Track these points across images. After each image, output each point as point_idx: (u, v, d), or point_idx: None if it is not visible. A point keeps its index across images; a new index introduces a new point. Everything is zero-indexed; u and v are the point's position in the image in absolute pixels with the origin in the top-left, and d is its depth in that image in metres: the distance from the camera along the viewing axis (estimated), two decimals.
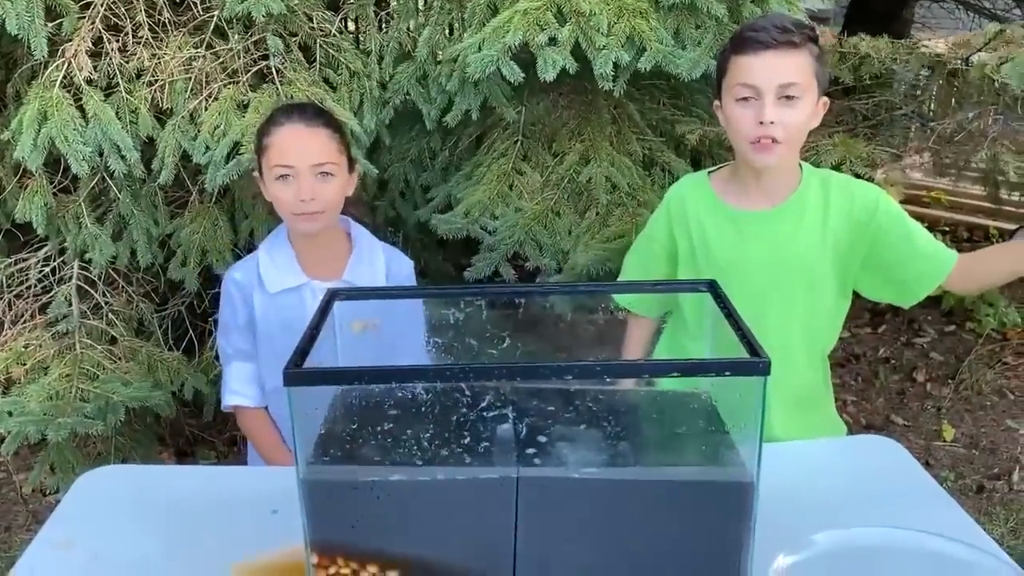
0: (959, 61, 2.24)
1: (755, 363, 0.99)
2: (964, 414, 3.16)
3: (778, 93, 1.43)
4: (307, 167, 1.54)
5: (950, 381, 3.35)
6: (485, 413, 1.05)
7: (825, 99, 1.52)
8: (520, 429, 1.05)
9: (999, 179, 2.69)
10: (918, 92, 2.69)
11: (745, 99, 1.45)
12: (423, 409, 1.08)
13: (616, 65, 1.91)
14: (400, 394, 1.07)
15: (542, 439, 1.07)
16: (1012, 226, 4.16)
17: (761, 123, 1.43)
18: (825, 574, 1.00)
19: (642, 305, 1.70)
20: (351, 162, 1.66)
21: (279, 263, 1.63)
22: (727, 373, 1.02)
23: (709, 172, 1.66)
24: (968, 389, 3.29)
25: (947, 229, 4.59)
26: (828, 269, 1.58)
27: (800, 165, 1.59)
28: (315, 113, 1.64)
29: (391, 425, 1.05)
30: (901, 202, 1.81)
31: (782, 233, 1.56)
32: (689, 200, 1.62)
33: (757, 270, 1.56)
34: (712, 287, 1.23)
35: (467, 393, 1.06)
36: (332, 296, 1.23)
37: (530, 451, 1.03)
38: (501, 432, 1.06)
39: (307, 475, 1.02)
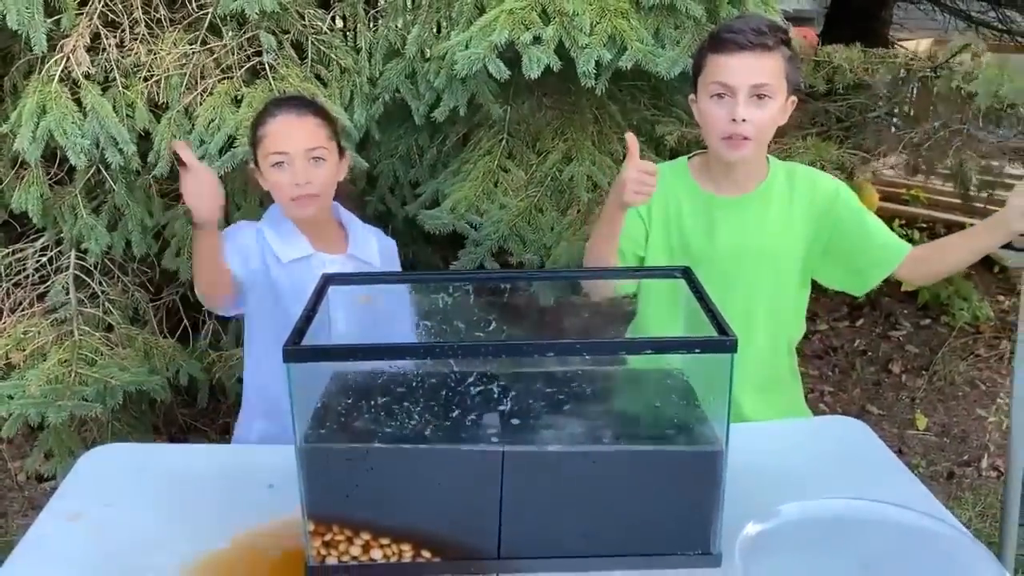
0: (929, 71, 2.33)
1: (723, 341, 1.07)
2: (937, 404, 3.26)
3: (750, 92, 1.51)
4: (300, 152, 1.63)
5: (924, 372, 3.45)
6: (472, 389, 1.12)
7: (793, 98, 1.60)
8: (505, 405, 1.12)
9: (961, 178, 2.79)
10: (891, 96, 2.79)
11: (719, 96, 1.53)
12: (414, 386, 1.15)
13: (598, 64, 1.98)
14: (392, 371, 1.14)
15: (526, 415, 1.14)
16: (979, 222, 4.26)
17: (733, 120, 1.51)
18: (791, 542, 1.06)
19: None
20: (340, 150, 1.74)
21: (285, 236, 1.69)
22: (697, 350, 1.10)
23: (688, 158, 1.74)
24: (941, 380, 3.39)
25: (924, 226, 4.69)
26: (793, 257, 1.66)
27: (767, 158, 1.67)
28: (305, 103, 1.73)
29: (384, 399, 1.13)
30: (880, 200, 1.89)
31: (749, 221, 1.64)
32: (668, 178, 1.68)
33: (724, 255, 1.63)
34: (685, 273, 1.31)
35: (455, 371, 1.13)
36: (327, 281, 1.30)
37: (515, 422, 1.11)
38: (487, 408, 1.13)
39: (305, 446, 1.09)
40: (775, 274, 1.65)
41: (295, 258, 1.69)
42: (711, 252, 1.63)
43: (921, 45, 5.79)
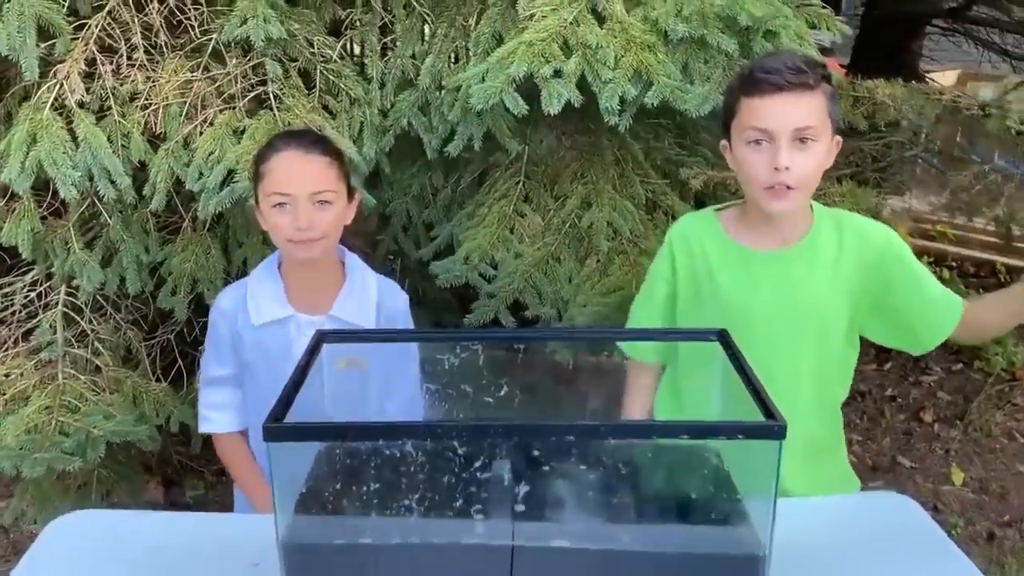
0: (976, 108, 2.19)
1: (769, 427, 0.93)
2: (973, 457, 3.08)
3: (792, 136, 1.37)
4: (305, 195, 1.51)
5: (958, 422, 3.27)
6: (479, 473, 0.98)
7: (838, 138, 1.47)
8: (517, 491, 0.98)
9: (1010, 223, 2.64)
10: (927, 133, 2.64)
11: (757, 142, 1.40)
12: (413, 466, 1.02)
13: (622, 99, 1.85)
14: (389, 450, 1.01)
15: (540, 502, 1.00)
16: (1022, 263, 4.10)
17: (776, 169, 1.37)
18: None
19: (645, 351, 1.63)
20: (350, 190, 1.62)
21: (267, 294, 1.60)
22: (739, 437, 0.95)
23: (716, 209, 1.60)
24: (977, 431, 3.22)
25: (953, 265, 4.52)
26: (840, 315, 1.52)
27: (811, 205, 1.53)
28: (313, 140, 1.60)
29: (379, 484, 0.99)
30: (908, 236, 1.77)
31: (794, 275, 1.50)
32: (695, 236, 1.56)
33: (767, 314, 1.50)
34: (722, 336, 1.17)
35: (459, 452, 0.99)
36: (320, 338, 1.17)
37: (526, 515, 0.97)
38: (495, 494, 0.99)
39: (288, 537, 0.95)
40: (821, 333, 1.51)
41: (268, 320, 1.59)
42: (751, 311, 1.49)
43: (948, 78, 5.66)
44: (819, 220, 1.52)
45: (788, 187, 1.38)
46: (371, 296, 1.64)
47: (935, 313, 1.51)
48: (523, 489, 1.00)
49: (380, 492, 0.99)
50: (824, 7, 2.10)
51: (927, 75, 4.79)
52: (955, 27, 4.54)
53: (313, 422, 0.96)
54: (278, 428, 0.93)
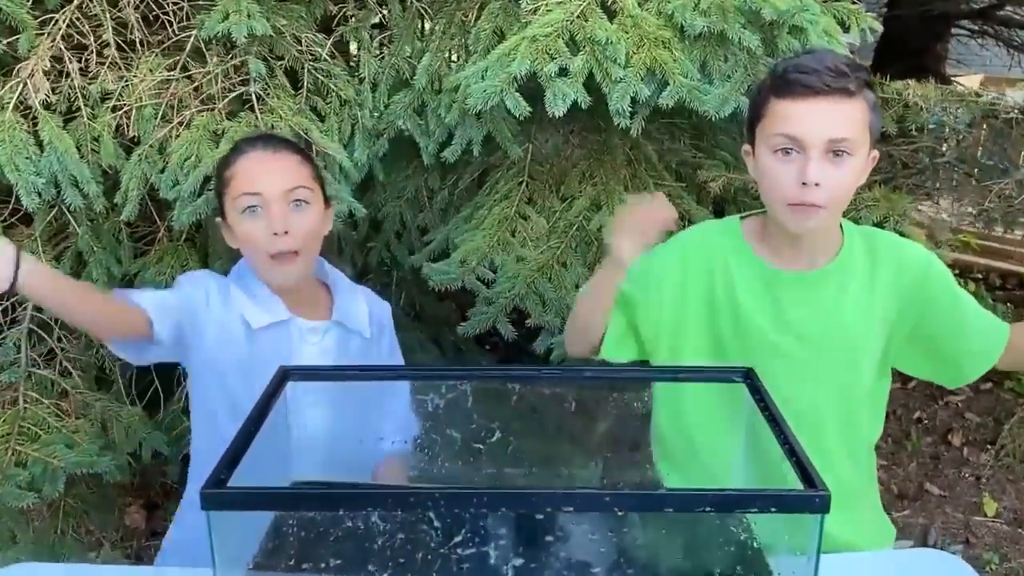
0: (1016, 111, 2.01)
1: (811, 497, 0.76)
2: (1007, 485, 2.89)
3: (826, 148, 1.20)
4: (278, 194, 1.34)
5: (989, 446, 3.08)
6: (460, 549, 0.82)
7: (875, 153, 1.30)
8: (504, 571, 0.82)
9: None
10: (961, 137, 2.46)
11: (785, 151, 1.23)
12: (384, 538, 0.85)
13: (634, 100, 1.69)
14: (351, 523, 0.84)
15: None
16: None
17: (804, 184, 1.20)
18: None
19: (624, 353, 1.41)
20: (326, 198, 1.46)
21: (258, 297, 1.40)
22: (773, 509, 0.78)
23: (741, 218, 1.42)
24: (1010, 456, 3.02)
25: (979, 276, 4.33)
26: (873, 346, 1.34)
27: (840, 224, 1.36)
28: (280, 140, 1.47)
29: (339, 561, 0.82)
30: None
31: (823, 302, 1.33)
32: (716, 246, 1.38)
33: (792, 343, 1.33)
34: (748, 377, 1.01)
35: (438, 525, 0.83)
36: (283, 376, 1.02)
37: None
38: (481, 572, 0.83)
39: None
40: (851, 366, 1.34)
41: (268, 323, 1.40)
42: (775, 340, 1.32)
43: (972, 82, 5.46)
44: (849, 240, 1.35)
45: (816, 206, 1.21)
46: (362, 307, 1.50)
47: (978, 342, 1.34)
48: (514, 565, 0.83)
49: (342, 569, 0.83)
50: (854, 2, 1.94)
51: (952, 79, 4.61)
52: (984, 28, 4.35)
53: (259, 488, 0.80)
54: (218, 495, 0.77)
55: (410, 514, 0.80)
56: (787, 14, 1.68)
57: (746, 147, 1.34)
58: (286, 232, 1.33)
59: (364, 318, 1.48)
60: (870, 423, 1.41)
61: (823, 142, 1.20)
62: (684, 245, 1.41)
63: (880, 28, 1.94)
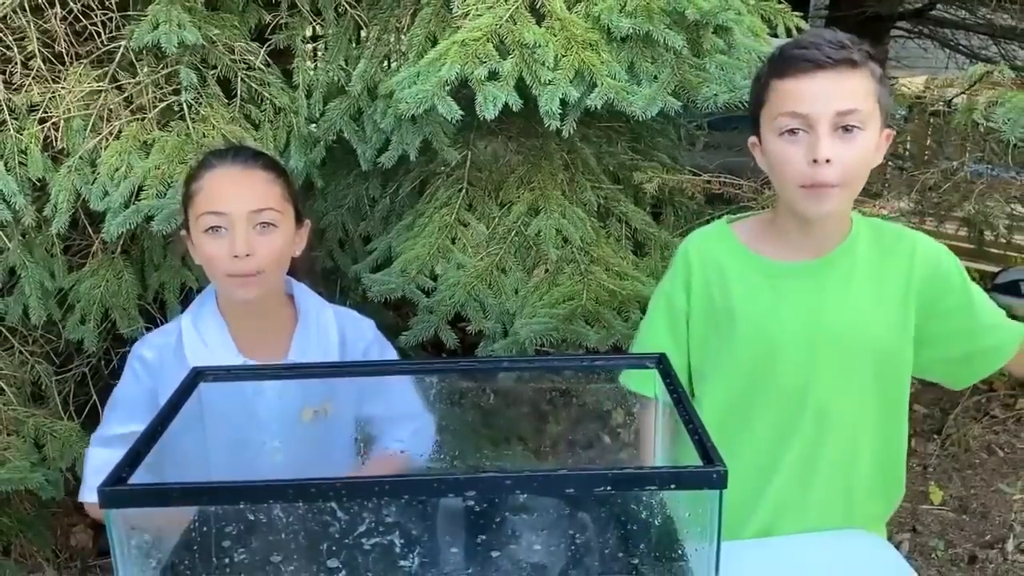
0: (941, 103, 2.06)
1: (707, 473, 0.78)
2: (952, 473, 2.95)
3: (835, 123, 1.15)
4: (243, 215, 1.28)
5: (935, 436, 3.15)
6: (375, 537, 0.82)
7: (889, 130, 1.25)
8: (411, 561, 0.82)
9: (982, 226, 2.52)
10: (895, 133, 2.51)
11: (792, 132, 1.18)
12: (301, 538, 0.85)
13: (564, 102, 1.71)
14: (265, 521, 0.84)
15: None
16: (995, 268, 4.00)
17: (815, 161, 1.15)
18: None
19: (644, 383, 1.28)
20: (300, 216, 1.40)
21: (208, 338, 1.35)
22: (672, 486, 0.80)
23: (729, 221, 1.38)
24: (955, 445, 3.09)
25: None
26: (884, 335, 1.27)
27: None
28: (253, 154, 1.40)
29: (260, 558, 0.82)
30: None
31: (828, 292, 1.27)
32: (709, 251, 1.33)
33: (795, 338, 1.26)
34: (661, 363, 1.02)
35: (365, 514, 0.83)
36: (196, 376, 1.01)
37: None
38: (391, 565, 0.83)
39: None
40: (878, 360, 1.28)
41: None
42: (777, 335, 1.27)
43: (915, 84, 5.58)
44: (856, 228, 1.29)
45: (830, 185, 1.16)
46: (331, 335, 1.41)
47: (987, 341, 1.29)
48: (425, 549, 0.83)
49: (261, 566, 0.82)
50: (780, 2, 1.98)
51: (894, 80, 4.71)
52: (920, 29, 4.46)
53: (156, 484, 0.79)
54: (115, 492, 0.77)
55: (311, 505, 0.80)
56: (710, 14, 1.72)
57: (752, 139, 1.28)
58: (248, 255, 1.28)
59: (331, 353, 1.39)
60: (895, 423, 1.33)
61: (831, 116, 1.15)
62: (686, 255, 1.37)
63: (807, 27, 1.98)
